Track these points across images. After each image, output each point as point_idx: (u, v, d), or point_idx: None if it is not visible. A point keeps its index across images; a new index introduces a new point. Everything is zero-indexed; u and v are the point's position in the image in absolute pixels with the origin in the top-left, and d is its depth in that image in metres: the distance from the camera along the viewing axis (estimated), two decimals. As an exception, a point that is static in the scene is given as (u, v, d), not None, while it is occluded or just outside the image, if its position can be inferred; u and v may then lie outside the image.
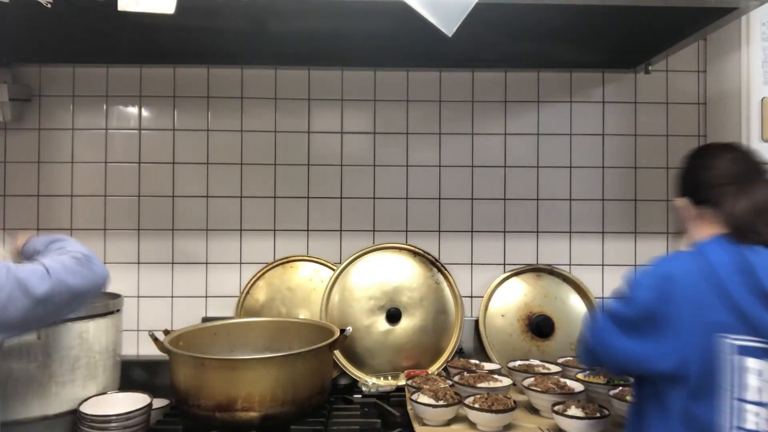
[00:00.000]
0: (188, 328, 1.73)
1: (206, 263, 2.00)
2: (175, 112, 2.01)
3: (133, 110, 2.01)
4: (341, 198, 2.03)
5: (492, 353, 1.93)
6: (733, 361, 1.04)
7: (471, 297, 2.02)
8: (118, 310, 1.62)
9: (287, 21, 1.58)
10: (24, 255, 1.32)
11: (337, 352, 1.82)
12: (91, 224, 1.99)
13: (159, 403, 1.60)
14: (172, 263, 2.00)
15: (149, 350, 1.66)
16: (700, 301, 1.06)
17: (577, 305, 1.98)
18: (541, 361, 1.81)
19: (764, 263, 1.06)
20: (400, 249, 1.97)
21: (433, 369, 1.86)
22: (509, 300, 1.99)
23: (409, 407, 1.60)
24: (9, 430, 1.38)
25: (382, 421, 1.56)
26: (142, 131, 2.01)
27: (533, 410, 1.59)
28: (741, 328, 1.04)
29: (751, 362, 1.03)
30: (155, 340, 1.58)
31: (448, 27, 1.24)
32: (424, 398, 1.51)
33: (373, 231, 2.03)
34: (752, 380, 1.03)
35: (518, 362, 1.80)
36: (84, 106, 2.00)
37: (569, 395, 1.52)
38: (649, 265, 1.16)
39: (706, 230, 1.18)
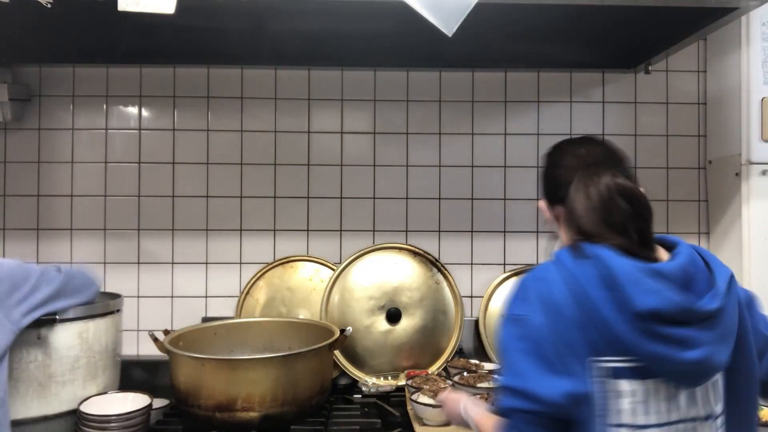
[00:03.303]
0: (188, 328, 1.73)
1: (206, 263, 2.00)
2: (175, 112, 2.01)
3: (133, 110, 2.01)
4: (341, 198, 2.03)
5: (492, 353, 1.93)
6: (608, 386, 0.92)
7: (471, 297, 2.02)
8: (118, 310, 1.62)
9: (287, 21, 1.59)
10: None
11: (337, 352, 1.82)
12: (91, 224, 1.99)
13: (159, 403, 1.60)
14: (172, 263, 2.00)
15: (149, 350, 1.66)
16: (579, 322, 0.92)
17: (577, 305, 1.98)
18: (541, 361, 1.81)
19: (629, 275, 0.91)
20: (400, 249, 1.97)
21: (433, 369, 1.86)
22: (509, 300, 1.99)
23: (409, 407, 1.60)
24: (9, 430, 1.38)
25: (382, 421, 1.56)
26: (142, 131, 2.01)
27: (533, 410, 1.59)
28: (612, 348, 0.91)
29: (624, 384, 0.92)
30: (155, 340, 1.58)
31: (448, 27, 1.24)
32: (424, 398, 1.51)
33: (373, 231, 2.03)
34: (625, 403, 0.93)
35: (518, 362, 1.80)
36: (84, 106, 2.00)
37: (569, 395, 1.52)
38: (522, 289, 0.99)
39: (567, 234, 1.05)
